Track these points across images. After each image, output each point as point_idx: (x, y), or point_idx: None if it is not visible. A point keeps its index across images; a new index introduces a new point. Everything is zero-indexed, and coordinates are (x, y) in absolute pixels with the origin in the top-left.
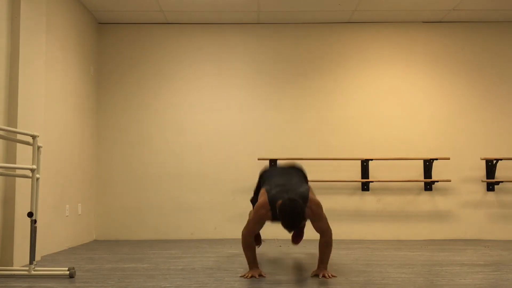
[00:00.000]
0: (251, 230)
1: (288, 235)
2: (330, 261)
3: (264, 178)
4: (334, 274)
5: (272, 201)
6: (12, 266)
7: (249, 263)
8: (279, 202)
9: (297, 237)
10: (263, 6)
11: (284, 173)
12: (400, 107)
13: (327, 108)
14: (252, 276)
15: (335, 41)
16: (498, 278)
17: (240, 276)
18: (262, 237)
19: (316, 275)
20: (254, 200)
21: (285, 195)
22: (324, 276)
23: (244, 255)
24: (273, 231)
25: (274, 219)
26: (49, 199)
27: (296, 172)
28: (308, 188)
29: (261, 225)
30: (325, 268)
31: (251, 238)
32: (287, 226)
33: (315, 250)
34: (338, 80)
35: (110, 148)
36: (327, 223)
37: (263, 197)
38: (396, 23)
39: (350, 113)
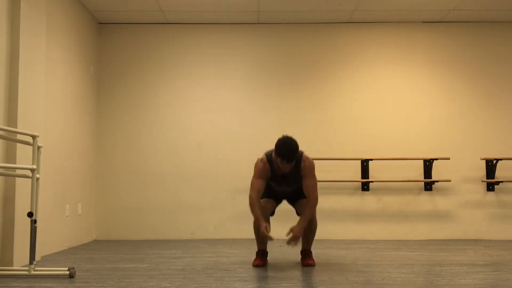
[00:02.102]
0: (256, 189)
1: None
2: (330, 261)
3: None
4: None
5: (268, 154)
6: (12, 266)
7: (256, 219)
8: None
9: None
10: (263, 6)
11: None
12: (400, 107)
13: (327, 108)
14: (263, 233)
15: (335, 41)
16: (498, 278)
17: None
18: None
19: (291, 231)
20: None
21: None
22: (292, 242)
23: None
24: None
25: (273, 171)
26: (49, 199)
27: None
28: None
29: (263, 179)
30: (300, 233)
31: (258, 197)
32: (283, 154)
33: (315, 250)
34: (338, 80)
35: (110, 148)
36: (316, 187)
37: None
38: (396, 23)
39: (350, 113)
